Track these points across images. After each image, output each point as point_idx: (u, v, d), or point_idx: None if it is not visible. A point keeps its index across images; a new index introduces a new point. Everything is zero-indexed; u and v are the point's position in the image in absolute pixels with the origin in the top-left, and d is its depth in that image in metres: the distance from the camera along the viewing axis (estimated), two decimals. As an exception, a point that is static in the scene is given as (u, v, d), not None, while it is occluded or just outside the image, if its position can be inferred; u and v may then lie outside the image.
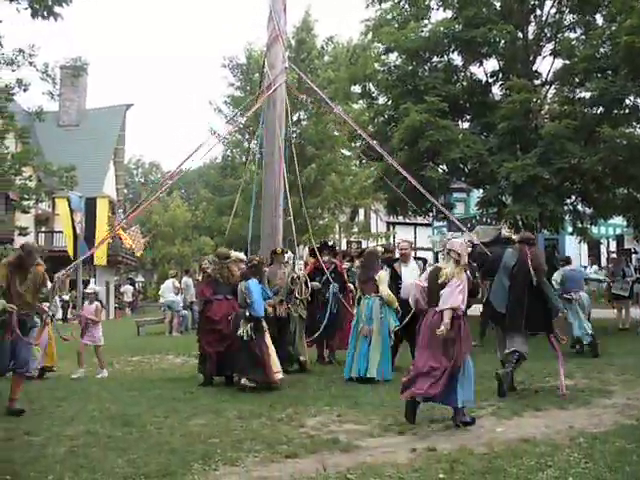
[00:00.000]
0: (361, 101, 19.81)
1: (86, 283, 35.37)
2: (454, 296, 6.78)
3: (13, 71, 17.88)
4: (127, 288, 41.00)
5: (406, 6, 17.90)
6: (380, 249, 11.74)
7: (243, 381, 9.05)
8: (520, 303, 8.40)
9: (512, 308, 8.45)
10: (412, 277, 10.61)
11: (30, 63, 17.69)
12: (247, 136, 31.74)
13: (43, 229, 37.80)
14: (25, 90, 18.79)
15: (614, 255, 24.02)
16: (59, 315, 31.44)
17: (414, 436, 6.47)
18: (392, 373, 9.77)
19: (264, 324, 9.25)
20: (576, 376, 9.52)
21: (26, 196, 22.22)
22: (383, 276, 10.12)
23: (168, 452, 6.00)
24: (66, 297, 34.57)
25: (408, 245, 11.39)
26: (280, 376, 9.20)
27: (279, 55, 12.22)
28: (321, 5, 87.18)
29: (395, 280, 10.57)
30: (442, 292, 6.84)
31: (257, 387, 8.99)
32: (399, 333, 10.38)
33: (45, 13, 7.82)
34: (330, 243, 12.88)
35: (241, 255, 10.95)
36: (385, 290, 9.90)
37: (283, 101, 12.25)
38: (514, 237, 11.37)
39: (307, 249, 11.32)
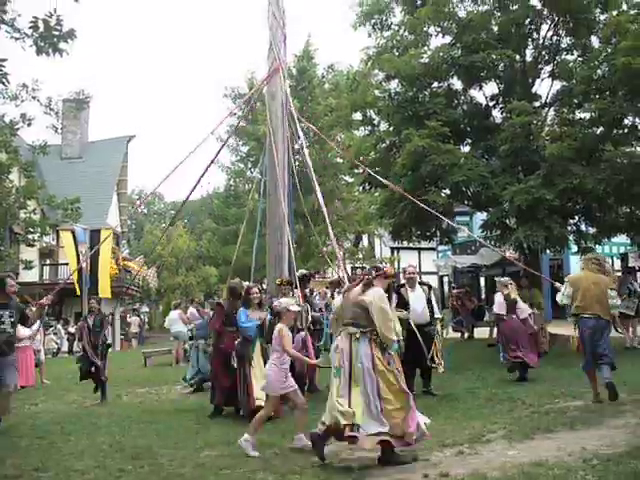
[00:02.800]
0: (362, 128, 19.91)
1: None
2: None
3: (17, 106, 18.10)
4: (134, 319, 40.92)
5: (405, 33, 18.06)
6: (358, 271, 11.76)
7: (241, 412, 9.17)
8: None
9: None
10: (419, 302, 10.67)
11: (34, 98, 17.87)
12: (250, 165, 31.93)
13: (48, 262, 37.87)
14: (29, 125, 18.96)
15: (619, 273, 23.92)
16: (65, 347, 31.46)
17: (426, 462, 6.44)
18: None
19: (251, 353, 9.40)
20: (586, 397, 9.47)
21: (31, 229, 22.32)
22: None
23: (180, 484, 5.98)
24: (72, 329, 34.61)
25: (414, 270, 11.41)
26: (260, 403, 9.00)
27: (279, 85, 12.33)
28: (322, 32, 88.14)
29: (403, 306, 10.58)
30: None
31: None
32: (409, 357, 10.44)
33: (50, 50, 7.89)
34: (305, 273, 12.78)
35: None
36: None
37: (285, 130, 12.32)
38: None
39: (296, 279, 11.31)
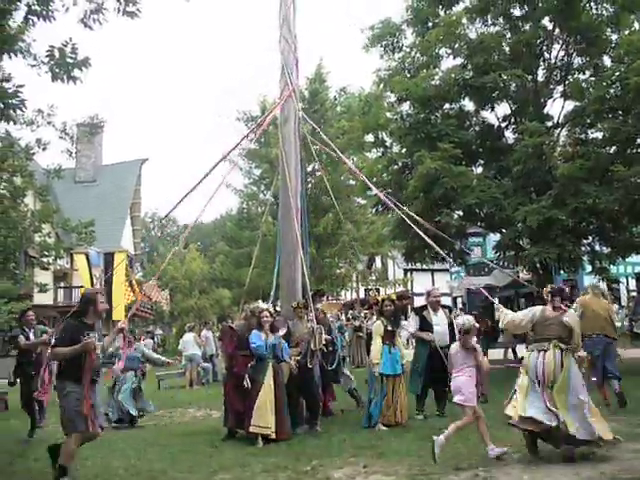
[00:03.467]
0: (374, 150, 19.96)
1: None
2: None
3: (32, 131, 18.22)
4: (147, 342, 40.85)
5: (417, 55, 18.16)
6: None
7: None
8: None
9: None
10: (442, 324, 10.78)
11: (49, 123, 18.00)
12: (262, 188, 32.02)
13: (62, 284, 38.04)
14: (44, 149, 19.08)
15: (634, 294, 23.80)
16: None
17: (442, 486, 6.40)
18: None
19: (263, 376, 9.39)
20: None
21: (45, 253, 22.44)
22: (376, 327, 10.38)
23: (195, 508, 5.97)
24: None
25: (439, 293, 11.56)
26: (255, 430, 9.11)
27: (292, 109, 12.39)
28: (333, 55, 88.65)
29: (426, 328, 10.76)
30: None
31: (277, 440, 9.00)
32: (428, 378, 10.62)
33: (65, 77, 8.00)
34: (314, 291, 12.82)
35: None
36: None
37: (298, 154, 12.36)
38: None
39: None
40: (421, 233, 11.27)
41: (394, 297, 11.19)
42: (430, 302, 11.14)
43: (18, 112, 8.31)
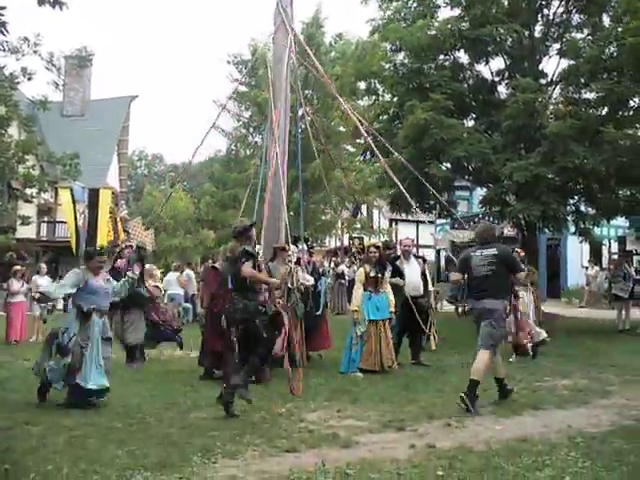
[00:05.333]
0: (366, 98, 19.75)
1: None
2: None
3: (18, 60, 17.90)
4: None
5: (414, 4, 17.85)
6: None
7: None
8: None
9: None
10: (414, 274, 10.87)
11: (35, 52, 17.68)
12: (251, 130, 31.72)
13: (45, 219, 37.82)
14: (29, 79, 18.80)
15: (615, 256, 23.96)
16: (60, 305, 31.53)
17: (413, 433, 6.48)
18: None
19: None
20: (575, 376, 9.54)
21: (29, 185, 22.22)
22: (359, 274, 10.48)
23: (168, 444, 6.01)
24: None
25: (410, 242, 11.62)
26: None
27: (285, 47, 12.20)
28: (332, 4, 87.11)
29: (398, 276, 10.79)
30: None
31: (255, 382, 9.00)
32: (403, 327, 10.68)
33: (51, 2, 7.77)
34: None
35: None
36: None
37: (288, 95, 12.23)
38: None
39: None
40: (415, 172, 11.21)
41: (380, 244, 11.24)
42: (402, 252, 11.31)
43: (0, 37, 8.08)
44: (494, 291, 7.71)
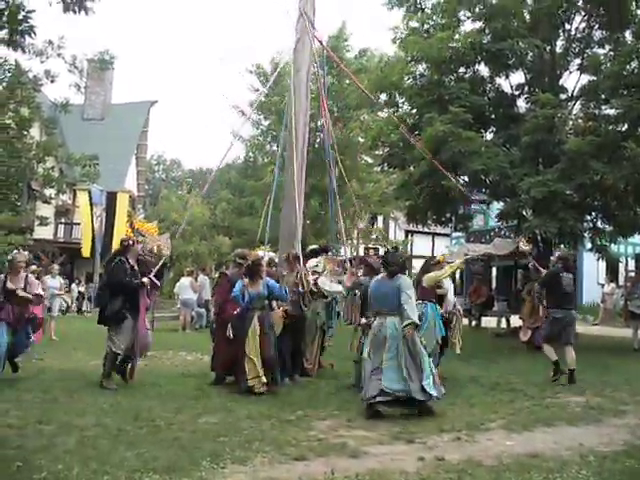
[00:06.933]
0: (386, 110, 19.73)
1: (102, 277, 35.79)
2: None
3: (42, 62, 18.02)
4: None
5: (438, 17, 17.84)
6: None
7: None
8: None
9: None
10: (451, 288, 11.05)
11: (58, 55, 17.80)
12: (269, 138, 31.82)
13: (63, 220, 38.09)
14: (52, 81, 18.93)
15: (632, 273, 23.79)
16: (74, 307, 31.69)
17: (422, 445, 6.46)
18: None
19: (248, 325, 9.20)
20: (588, 393, 9.47)
21: (48, 186, 22.38)
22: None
23: (177, 448, 6.04)
24: (81, 289, 34.85)
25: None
26: (254, 383, 8.98)
27: (305, 58, 12.26)
28: (356, 15, 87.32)
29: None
30: None
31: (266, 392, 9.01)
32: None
33: (77, 7, 7.87)
34: (316, 247, 12.83)
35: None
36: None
37: (307, 104, 12.29)
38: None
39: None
40: (443, 170, 11.23)
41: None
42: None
43: (27, 39, 8.16)
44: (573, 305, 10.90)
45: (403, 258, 8.86)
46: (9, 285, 9.42)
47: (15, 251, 10.37)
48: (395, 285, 8.01)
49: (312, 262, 11.34)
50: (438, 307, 10.07)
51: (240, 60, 45.05)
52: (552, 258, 12.89)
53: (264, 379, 8.97)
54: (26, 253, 10.23)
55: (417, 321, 7.94)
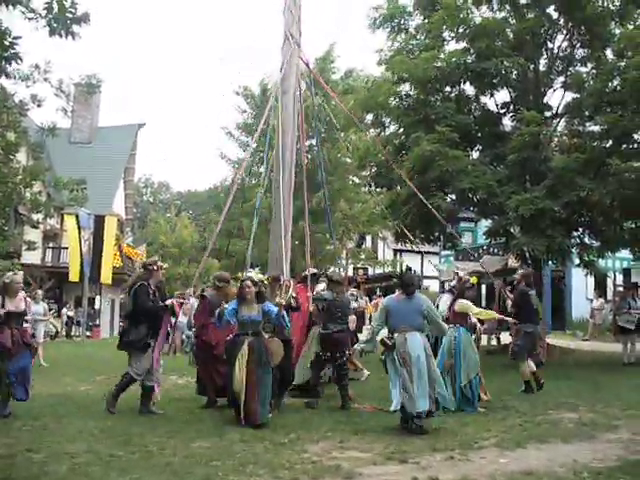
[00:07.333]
0: (372, 130, 19.81)
1: (91, 301, 35.64)
2: None
3: (28, 87, 17.97)
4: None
5: (422, 38, 18.01)
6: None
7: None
8: None
9: None
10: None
11: (45, 79, 17.77)
12: (257, 160, 31.90)
13: (51, 245, 37.92)
14: (39, 106, 18.88)
15: (620, 288, 23.89)
16: (63, 332, 31.53)
17: (416, 465, 6.44)
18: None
19: (237, 350, 8.57)
20: (581, 410, 9.47)
21: (36, 210, 22.27)
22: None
23: (169, 473, 5.99)
24: (71, 313, 34.65)
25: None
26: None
27: (292, 79, 12.33)
28: (342, 37, 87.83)
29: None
30: None
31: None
32: None
33: (63, 32, 7.85)
34: (316, 272, 12.69)
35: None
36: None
37: (295, 127, 12.34)
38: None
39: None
40: (422, 198, 11.28)
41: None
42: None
43: (14, 65, 8.16)
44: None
45: (418, 277, 9.06)
46: (9, 307, 9.07)
47: (10, 272, 10.10)
48: (416, 303, 8.43)
49: (320, 287, 11.31)
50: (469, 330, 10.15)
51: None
52: (515, 276, 12.99)
53: (242, 414, 8.34)
54: (22, 273, 10.00)
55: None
